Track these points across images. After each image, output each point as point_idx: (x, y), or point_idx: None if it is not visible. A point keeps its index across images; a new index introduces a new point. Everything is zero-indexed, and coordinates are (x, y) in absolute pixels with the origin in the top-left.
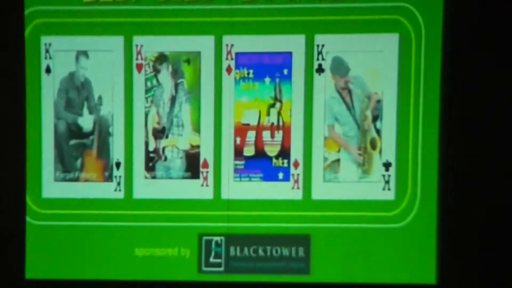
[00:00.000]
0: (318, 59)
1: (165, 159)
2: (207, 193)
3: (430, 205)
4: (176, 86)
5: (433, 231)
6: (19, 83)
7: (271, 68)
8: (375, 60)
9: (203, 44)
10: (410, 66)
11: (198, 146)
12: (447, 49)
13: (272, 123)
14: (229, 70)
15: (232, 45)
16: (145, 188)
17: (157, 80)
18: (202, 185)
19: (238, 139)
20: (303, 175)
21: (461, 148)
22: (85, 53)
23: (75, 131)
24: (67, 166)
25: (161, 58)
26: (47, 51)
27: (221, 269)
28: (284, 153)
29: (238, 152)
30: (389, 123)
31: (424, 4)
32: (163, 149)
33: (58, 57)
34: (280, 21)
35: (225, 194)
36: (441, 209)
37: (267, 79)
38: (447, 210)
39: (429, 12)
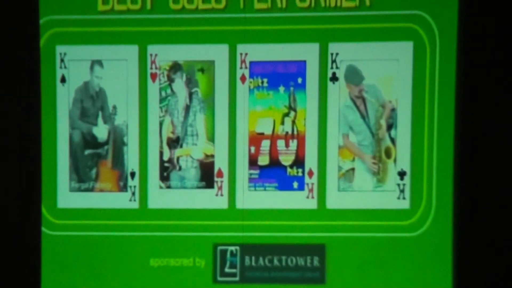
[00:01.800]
0: (332, 68)
1: (180, 168)
2: (222, 203)
3: (445, 214)
4: (190, 95)
5: (448, 240)
6: (34, 92)
7: (285, 76)
8: (389, 69)
9: (217, 53)
10: (425, 74)
11: (212, 156)
12: (461, 57)
13: (287, 132)
14: (243, 79)
15: (246, 54)
16: (160, 198)
17: (172, 89)
18: (217, 195)
19: (253, 148)
20: (318, 184)
21: (476, 157)
22: (99, 62)
23: (90, 141)
24: (82, 176)
25: (175, 67)
26: (62, 60)
27: (236, 279)
28: (299, 162)
29: (253, 161)
30: (403, 131)
31: (438, 12)
32: (178, 158)
33: (73, 67)
34: (294, 29)
35: (240, 204)
36: (457, 218)
37: (281, 88)
38: (463, 219)
39: (443, 20)
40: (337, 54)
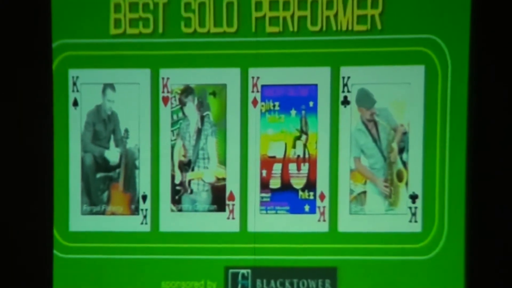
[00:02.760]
0: (343, 91)
1: (191, 192)
2: (233, 226)
3: (457, 237)
4: (202, 118)
5: (461, 263)
6: (47, 116)
7: (297, 100)
8: (401, 92)
9: (229, 76)
10: (436, 98)
11: (224, 179)
12: (473, 80)
13: (298, 156)
14: (255, 102)
15: (258, 78)
16: (172, 221)
17: (183, 113)
18: (228, 218)
19: (264, 172)
20: (329, 207)
21: (489, 180)
22: (111, 86)
23: (102, 164)
24: (94, 199)
25: (187, 90)
26: (74, 84)
27: None
28: (310, 185)
29: (264, 185)
30: (415, 155)
31: (450, 36)
32: (189, 182)
33: (85, 90)
34: (306, 53)
35: (251, 227)
36: (469, 241)
37: (293, 112)
38: (475, 242)
39: (455, 43)
40: (348, 77)
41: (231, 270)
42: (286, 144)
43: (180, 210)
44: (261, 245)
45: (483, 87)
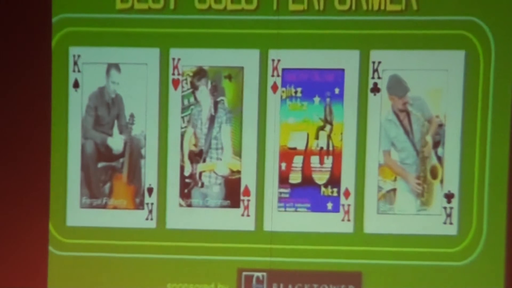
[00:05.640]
0: (373, 78)
1: (202, 185)
2: (248, 224)
3: (497, 242)
4: (216, 104)
5: (500, 270)
6: (44, 98)
7: (321, 86)
8: (437, 80)
9: (247, 58)
10: (477, 87)
11: (239, 172)
12: None
13: (321, 148)
14: (275, 87)
15: (278, 60)
16: (180, 217)
17: (195, 98)
18: (243, 215)
19: (284, 165)
20: (355, 205)
21: None
22: (116, 66)
23: (104, 153)
24: (95, 191)
25: (200, 73)
26: (75, 63)
27: None
28: (334, 181)
29: (283, 179)
30: (452, 149)
31: (494, 18)
32: (200, 174)
33: (87, 70)
34: (332, 34)
35: (268, 226)
36: (510, 246)
37: (317, 99)
38: None
39: (499, 26)
40: (379, 62)
41: (244, 273)
42: (308, 135)
43: (189, 205)
44: (278, 245)
45: None
